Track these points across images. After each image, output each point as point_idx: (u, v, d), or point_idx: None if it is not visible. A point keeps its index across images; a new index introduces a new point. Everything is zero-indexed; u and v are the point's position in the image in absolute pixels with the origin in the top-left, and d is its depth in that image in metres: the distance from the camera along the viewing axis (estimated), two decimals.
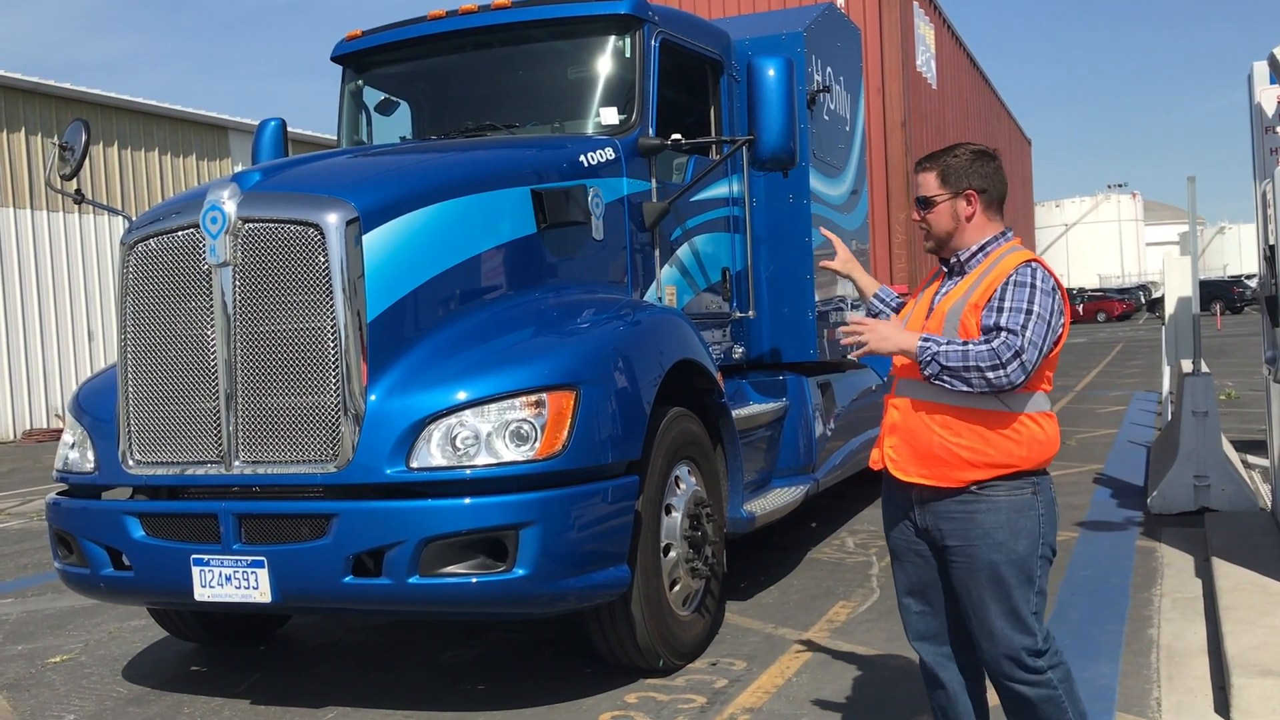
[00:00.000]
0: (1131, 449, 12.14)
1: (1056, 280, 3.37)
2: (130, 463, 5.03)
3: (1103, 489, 9.78)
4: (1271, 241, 6.21)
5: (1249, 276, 60.29)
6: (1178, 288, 10.51)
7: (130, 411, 5.04)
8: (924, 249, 3.61)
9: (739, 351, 7.34)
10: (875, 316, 3.91)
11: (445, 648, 5.98)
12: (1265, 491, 8.83)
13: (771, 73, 6.25)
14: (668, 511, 5.36)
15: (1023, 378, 3.20)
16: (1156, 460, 10.13)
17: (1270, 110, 6.80)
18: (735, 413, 6.61)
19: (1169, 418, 12.67)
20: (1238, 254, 70.50)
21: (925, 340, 3.29)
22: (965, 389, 3.24)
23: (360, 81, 7.09)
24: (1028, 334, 3.20)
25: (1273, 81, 6.69)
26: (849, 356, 3.54)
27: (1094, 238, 78.48)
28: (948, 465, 3.34)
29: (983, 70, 16.26)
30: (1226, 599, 5.48)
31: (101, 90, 22.59)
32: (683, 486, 5.53)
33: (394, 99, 7.30)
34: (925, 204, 3.51)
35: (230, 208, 4.73)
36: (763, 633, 5.95)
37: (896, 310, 3.90)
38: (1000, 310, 3.26)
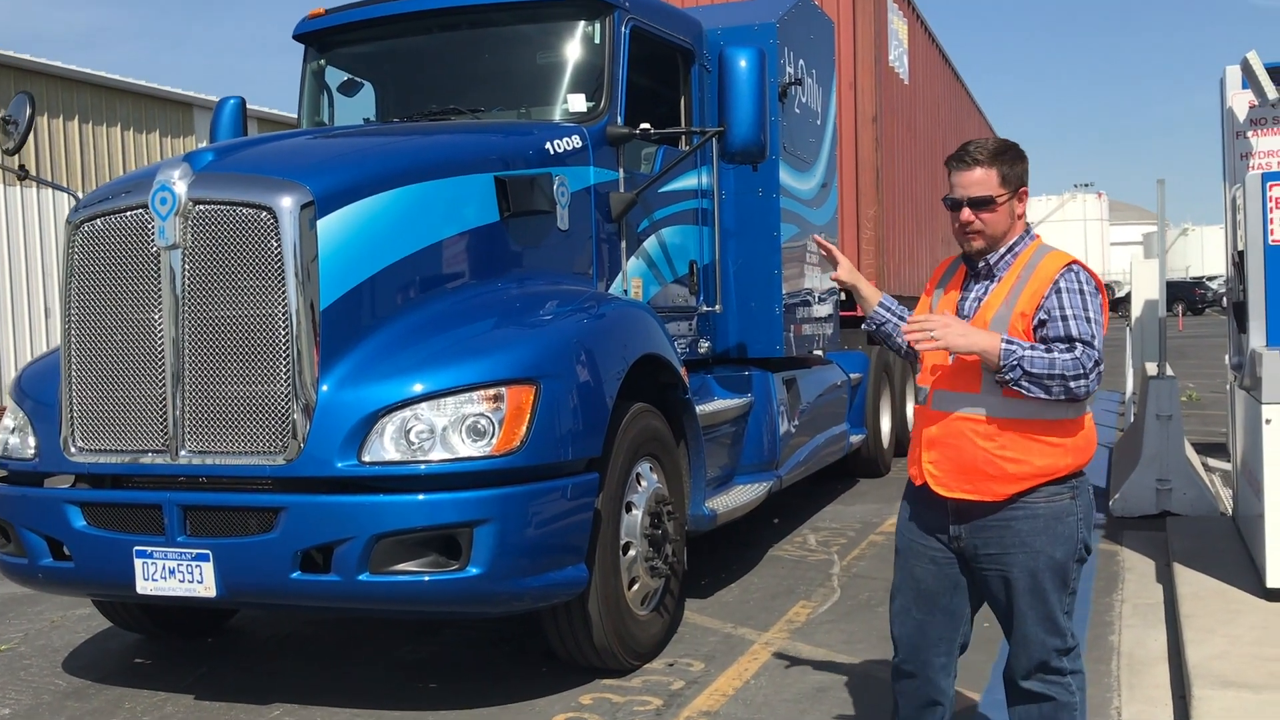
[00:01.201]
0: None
1: (1097, 279, 3.31)
2: (72, 450, 4.86)
3: None
4: (1241, 247, 6.18)
5: (1210, 278, 60.97)
6: (1145, 290, 10.52)
7: (73, 397, 4.86)
8: (970, 250, 3.36)
9: (704, 346, 7.24)
10: (881, 327, 3.76)
11: (399, 644, 5.85)
12: (1225, 496, 8.85)
13: (743, 64, 6.14)
14: (628, 509, 5.25)
15: (1097, 387, 3.17)
16: (1119, 462, 10.14)
17: (1241, 115, 6.77)
18: (700, 408, 6.52)
19: (1131, 419, 12.75)
20: (1200, 255, 71.29)
21: (1010, 343, 3.14)
22: (1043, 396, 3.13)
23: (322, 61, 6.90)
24: (1098, 343, 3.16)
25: (1245, 86, 6.66)
26: (917, 348, 3.32)
27: (1060, 236, 78.61)
28: (992, 479, 3.25)
29: (954, 67, 16.21)
30: (1187, 606, 5.45)
31: (62, 63, 22.12)
32: (644, 484, 5.42)
33: (358, 80, 7.12)
34: (984, 204, 3.29)
35: (181, 188, 4.57)
36: (722, 632, 5.86)
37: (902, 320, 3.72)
38: (1065, 319, 3.17)
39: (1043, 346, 3.16)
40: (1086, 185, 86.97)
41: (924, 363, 3.43)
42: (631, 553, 5.25)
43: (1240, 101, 6.73)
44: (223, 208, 4.54)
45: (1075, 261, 3.30)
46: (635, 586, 5.29)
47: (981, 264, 3.37)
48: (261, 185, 4.55)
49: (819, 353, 9.02)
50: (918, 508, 3.49)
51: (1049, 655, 3.31)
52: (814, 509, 9.20)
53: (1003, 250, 3.36)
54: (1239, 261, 6.29)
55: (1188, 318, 47.21)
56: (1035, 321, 3.22)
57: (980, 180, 3.30)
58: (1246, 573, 6.00)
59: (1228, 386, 11.33)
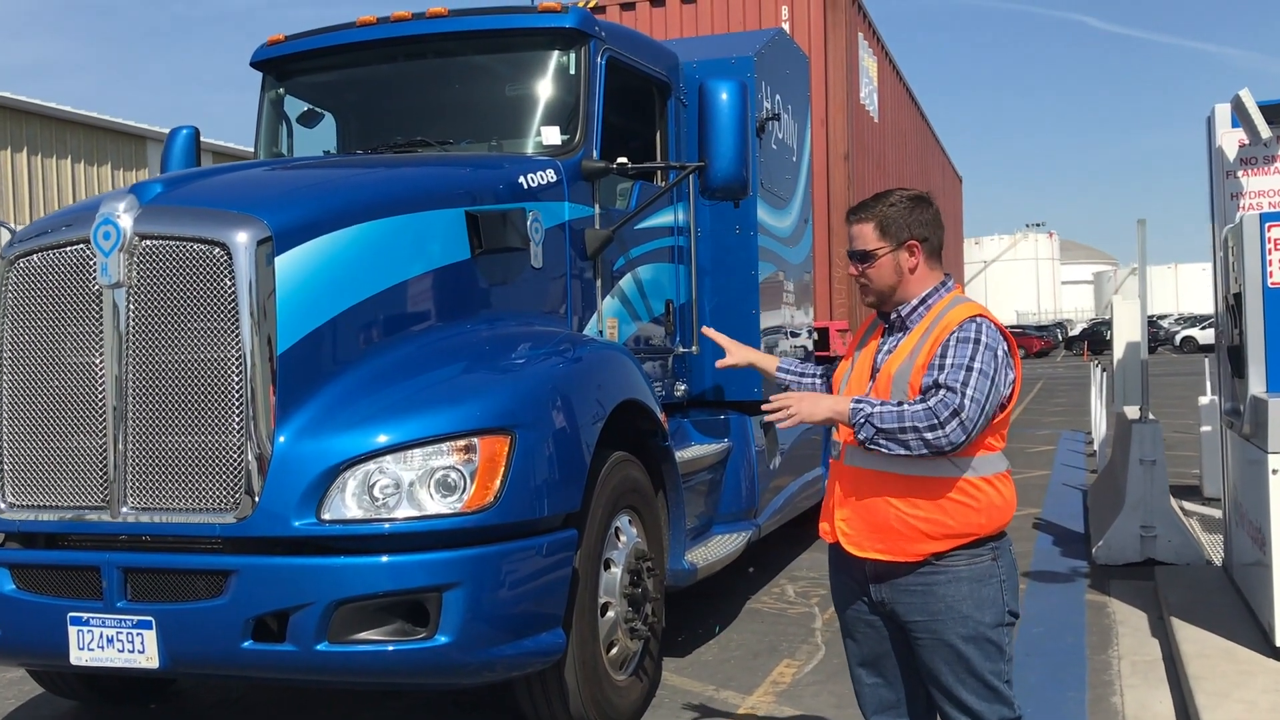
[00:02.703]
0: (1067, 492, 11.97)
1: (1006, 334, 3.14)
2: (3, 505, 4.45)
3: (1044, 536, 9.54)
4: (1235, 289, 5.98)
5: (1161, 317, 61.83)
6: (1125, 331, 10.37)
7: (5, 447, 4.46)
8: (864, 304, 3.31)
9: (681, 389, 6.94)
10: (786, 390, 3.62)
11: (359, 710, 5.45)
12: (1207, 542, 8.68)
13: (725, 96, 5.90)
14: (607, 567, 4.92)
15: (963, 438, 2.99)
16: (1096, 507, 9.94)
17: (1231, 154, 6.62)
18: (678, 455, 6.21)
19: (1102, 460, 12.59)
20: (1150, 294, 72.39)
21: (858, 402, 3.09)
22: (903, 452, 3.02)
23: (281, 90, 6.57)
24: (969, 391, 2.99)
25: (1235, 125, 6.51)
26: (779, 426, 3.44)
27: (1012, 275, 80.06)
28: (904, 539, 3.12)
29: (920, 105, 16.17)
30: (1194, 668, 5.19)
31: (10, 93, 21.58)
32: (623, 539, 5.09)
33: (318, 110, 6.80)
34: (864, 258, 3.25)
35: (126, 222, 4.21)
36: (703, 696, 5.52)
37: (818, 377, 3.68)
38: (942, 368, 3.04)
39: (907, 401, 3.06)
40: (1038, 225, 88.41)
41: None
42: (610, 614, 4.91)
43: (1230, 140, 6.57)
44: (172, 243, 4.18)
45: (983, 313, 3.15)
46: (614, 650, 4.95)
47: (894, 315, 3.28)
48: (214, 219, 4.20)
49: (782, 427, 8.73)
50: (838, 569, 3.37)
51: None
52: (790, 556, 8.88)
53: (914, 302, 3.26)
54: (1233, 304, 6.10)
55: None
56: (930, 369, 3.09)
57: (859, 234, 3.26)
58: (1249, 628, 5.76)
59: (1202, 429, 11.30)
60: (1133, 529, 8.03)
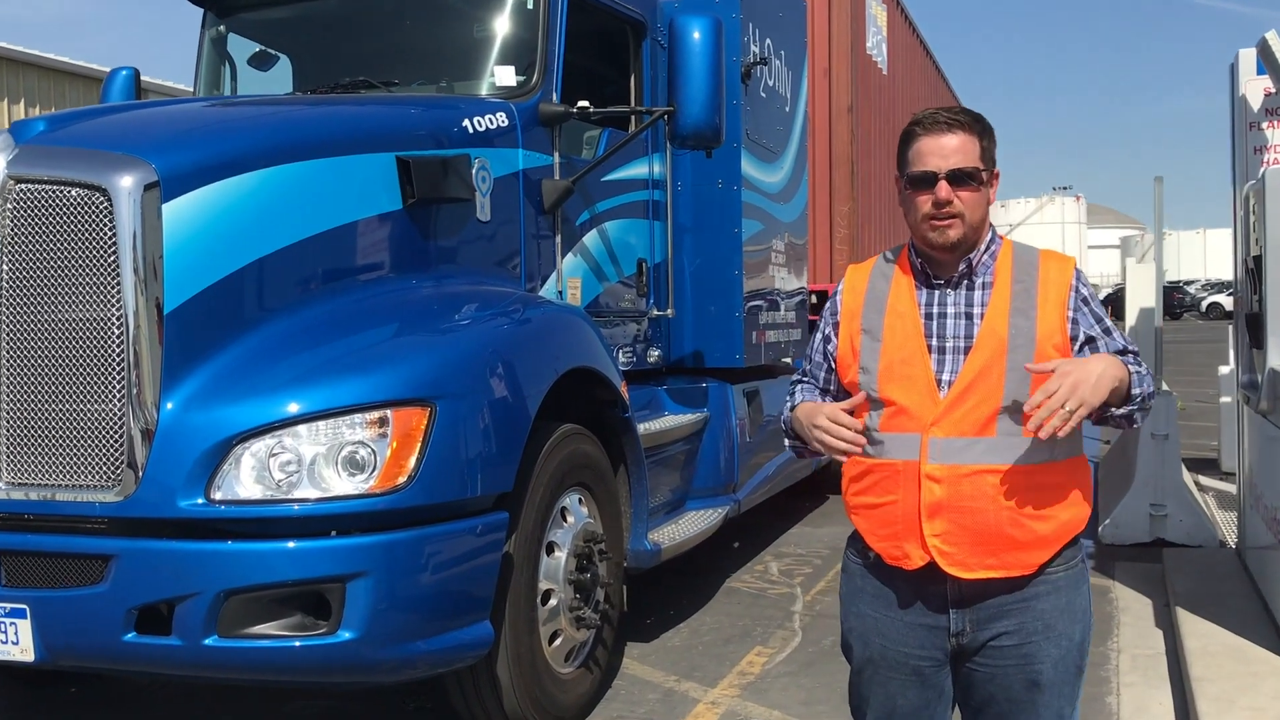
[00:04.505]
0: None
1: None
2: None
3: None
4: (1256, 251, 5.45)
5: (1188, 283, 60.73)
6: (1139, 297, 9.80)
7: None
8: (941, 243, 2.51)
9: (655, 354, 6.47)
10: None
11: (289, 697, 5.05)
12: (1222, 520, 8.18)
13: (697, 35, 5.37)
14: (549, 551, 4.48)
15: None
16: (1106, 482, 9.42)
17: (1256, 104, 6.05)
18: (647, 426, 5.77)
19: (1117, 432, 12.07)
20: (1177, 260, 71.10)
21: (1125, 361, 2.45)
22: (1138, 424, 2.52)
23: (223, 27, 6.08)
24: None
25: (1260, 72, 5.94)
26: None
27: (1039, 239, 78.16)
28: (1021, 548, 2.49)
29: (936, 59, 15.50)
30: (1198, 668, 4.71)
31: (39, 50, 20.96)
32: (570, 519, 4.65)
33: (270, 52, 6.31)
34: (967, 179, 2.49)
35: None
36: (663, 688, 5.09)
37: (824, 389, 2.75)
38: (1110, 332, 2.53)
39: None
40: (1065, 188, 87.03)
41: (889, 400, 2.53)
42: (553, 602, 4.47)
43: (1255, 89, 6.01)
44: (48, 188, 3.72)
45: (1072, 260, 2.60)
46: (557, 641, 4.52)
47: (962, 265, 2.55)
48: (95, 161, 3.73)
49: (787, 361, 8.27)
50: (885, 604, 2.61)
51: None
52: (779, 531, 8.44)
53: (983, 248, 2.58)
54: (1253, 268, 5.57)
55: (1166, 322, 46.82)
56: (1078, 339, 2.51)
57: (962, 148, 2.50)
58: (1260, 622, 5.28)
59: (1222, 400, 10.75)
60: (1142, 507, 7.54)
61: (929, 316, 2.55)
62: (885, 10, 11.70)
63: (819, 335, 2.76)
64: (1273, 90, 5.93)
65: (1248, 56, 6.07)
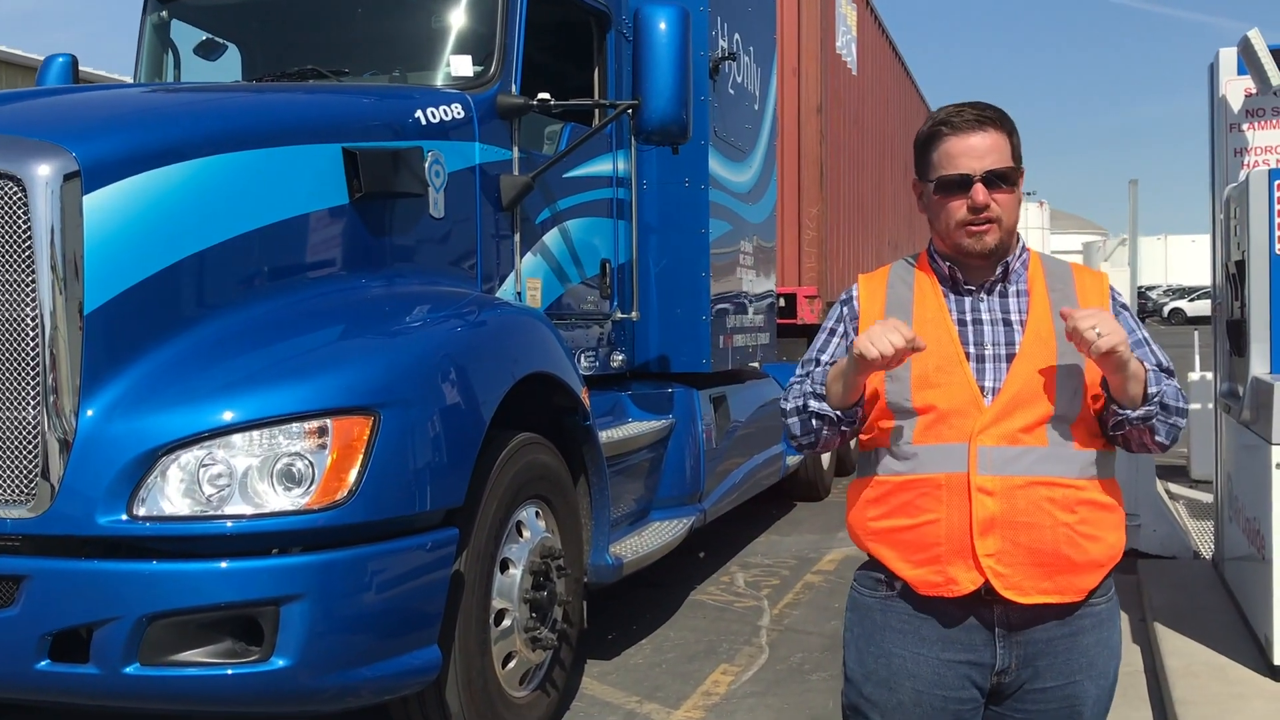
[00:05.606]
0: None
1: None
2: None
3: None
4: (1238, 256, 5.29)
5: (1150, 288, 61.30)
6: None
7: None
8: (978, 249, 2.33)
9: (619, 359, 6.23)
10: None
11: None
12: (1194, 530, 8.05)
13: (663, 25, 5.14)
14: (504, 568, 4.23)
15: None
16: None
17: (1236, 105, 5.90)
18: (610, 434, 5.54)
19: None
20: (1142, 265, 71.91)
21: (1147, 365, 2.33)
22: (1164, 441, 2.32)
23: (165, 13, 5.78)
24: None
25: (1242, 71, 5.78)
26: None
27: None
28: (1075, 570, 2.29)
29: (904, 61, 15.37)
30: (1180, 688, 4.53)
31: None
32: (526, 534, 4.40)
33: (218, 41, 6.02)
34: (1004, 180, 2.32)
35: None
36: (624, 709, 4.85)
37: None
38: (1146, 344, 2.37)
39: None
40: (1029, 194, 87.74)
41: (927, 408, 2.30)
42: (507, 622, 4.22)
43: (1235, 89, 5.85)
44: None
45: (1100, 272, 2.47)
46: (511, 663, 4.27)
47: (998, 269, 2.37)
48: (10, 148, 3.44)
49: (755, 365, 8.06)
50: (933, 636, 2.32)
51: None
52: (745, 539, 8.22)
53: (1016, 253, 2.41)
54: (1235, 273, 5.40)
55: None
56: None
57: (995, 147, 2.32)
58: (1240, 638, 5.11)
59: (1191, 406, 10.63)
60: None
61: (962, 323, 2.36)
62: (855, 10, 11.54)
63: (830, 338, 2.49)
64: (1254, 91, 5.77)
65: (1228, 56, 5.92)
